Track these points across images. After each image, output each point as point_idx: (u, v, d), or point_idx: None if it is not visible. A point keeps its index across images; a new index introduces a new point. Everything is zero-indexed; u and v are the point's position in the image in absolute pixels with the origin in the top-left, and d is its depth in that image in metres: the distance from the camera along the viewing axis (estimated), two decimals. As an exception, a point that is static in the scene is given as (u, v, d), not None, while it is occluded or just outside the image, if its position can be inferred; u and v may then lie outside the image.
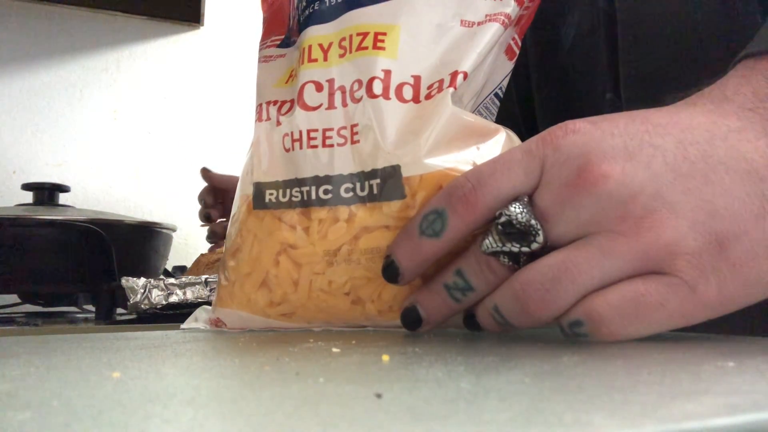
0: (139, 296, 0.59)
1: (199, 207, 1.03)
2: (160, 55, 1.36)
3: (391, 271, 0.33)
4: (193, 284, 0.61)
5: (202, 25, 1.38)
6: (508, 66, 0.40)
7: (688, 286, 0.27)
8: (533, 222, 0.29)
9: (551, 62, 0.54)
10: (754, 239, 0.27)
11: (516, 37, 0.39)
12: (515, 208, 0.30)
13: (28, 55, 1.27)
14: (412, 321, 0.34)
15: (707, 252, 0.27)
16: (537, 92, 0.56)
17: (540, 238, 0.29)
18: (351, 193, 0.35)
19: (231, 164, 1.30)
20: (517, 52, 0.40)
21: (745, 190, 0.27)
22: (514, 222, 0.29)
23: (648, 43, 0.46)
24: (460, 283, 0.31)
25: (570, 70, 0.52)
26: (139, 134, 1.33)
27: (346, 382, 0.20)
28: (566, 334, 0.29)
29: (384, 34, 0.37)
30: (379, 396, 0.17)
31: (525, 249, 0.29)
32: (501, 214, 0.30)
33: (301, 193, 0.37)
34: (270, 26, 0.44)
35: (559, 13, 0.51)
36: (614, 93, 0.48)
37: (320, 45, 0.38)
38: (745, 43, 0.32)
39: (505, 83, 0.41)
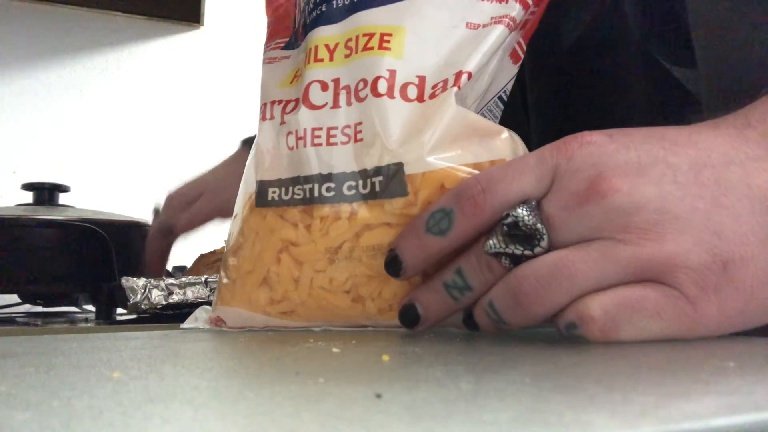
0: (139, 296, 0.59)
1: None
2: (160, 55, 1.36)
3: (394, 266, 0.33)
4: (193, 284, 0.61)
5: (202, 25, 1.38)
6: (513, 70, 0.40)
7: (687, 300, 0.27)
8: (539, 226, 0.29)
9: (545, 61, 0.53)
10: (759, 265, 0.27)
11: (521, 41, 0.40)
12: (522, 210, 0.30)
13: (28, 55, 1.27)
14: (410, 319, 0.34)
15: (710, 270, 0.27)
16: (529, 93, 0.56)
17: (544, 243, 0.29)
18: (353, 191, 0.36)
19: (231, 164, 1.30)
20: (522, 56, 0.40)
21: (755, 218, 0.27)
22: (520, 224, 0.29)
23: (731, 95, 0.44)
24: (459, 282, 0.32)
25: (570, 73, 0.52)
26: (139, 134, 1.33)
27: (346, 382, 0.20)
28: (563, 335, 0.29)
29: (390, 34, 0.37)
30: (379, 396, 0.17)
31: (528, 252, 0.29)
32: (508, 215, 0.30)
33: (304, 190, 0.37)
34: (275, 30, 0.45)
35: (559, 6, 0.50)
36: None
37: (326, 45, 0.38)
38: None
39: (509, 87, 0.41)
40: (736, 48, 0.42)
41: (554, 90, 0.53)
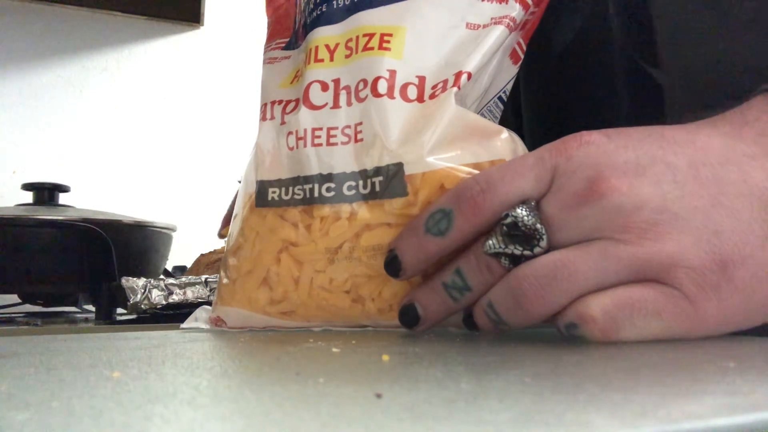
0: (139, 296, 0.59)
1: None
2: (160, 55, 1.36)
3: (393, 266, 0.33)
4: (193, 284, 0.61)
5: (202, 25, 1.38)
6: (513, 70, 0.40)
7: (687, 299, 0.27)
8: (538, 226, 0.29)
9: (538, 66, 0.53)
10: (758, 264, 0.27)
11: (521, 41, 0.40)
12: (522, 210, 0.30)
13: (28, 55, 1.27)
14: (409, 319, 0.34)
15: (710, 270, 0.27)
16: (523, 95, 0.56)
17: (543, 243, 0.29)
18: (353, 191, 0.36)
19: (231, 164, 1.31)
20: (522, 56, 0.40)
21: (754, 216, 0.27)
22: (520, 224, 0.29)
23: (700, 98, 0.44)
24: (459, 282, 0.32)
25: (562, 76, 0.52)
26: (139, 134, 1.33)
27: (346, 382, 0.20)
28: (563, 335, 0.29)
29: (390, 35, 0.37)
30: (379, 396, 0.17)
31: (527, 252, 0.29)
32: (507, 215, 0.30)
33: (304, 190, 0.37)
34: (275, 30, 0.45)
35: (553, 12, 0.51)
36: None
37: (327, 46, 0.38)
38: None
39: (509, 87, 0.41)
40: (702, 44, 0.43)
41: (547, 92, 0.53)
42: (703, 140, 0.29)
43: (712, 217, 0.27)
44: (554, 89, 0.52)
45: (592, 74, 0.49)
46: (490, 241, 0.30)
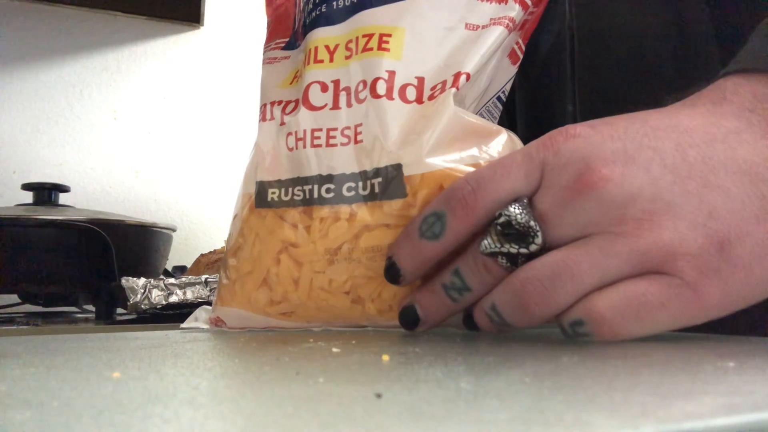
0: (139, 296, 0.59)
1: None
2: (160, 55, 1.36)
3: (392, 273, 0.33)
4: (193, 284, 0.61)
5: (202, 25, 1.38)
6: (512, 70, 0.40)
7: (690, 287, 0.27)
8: (532, 223, 0.29)
9: (528, 67, 0.55)
10: (755, 240, 0.27)
11: (520, 41, 0.40)
12: (515, 208, 0.30)
13: (28, 55, 1.27)
14: (409, 320, 0.34)
15: (708, 253, 0.27)
16: (518, 92, 0.57)
17: (539, 240, 0.29)
18: (353, 192, 0.36)
19: (231, 164, 1.30)
20: (521, 56, 0.40)
21: (746, 192, 0.27)
22: (514, 223, 0.29)
23: (602, 60, 0.47)
24: (458, 283, 0.32)
25: (543, 77, 0.53)
26: (139, 134, 1.33)
27: (346, 382, 0.20)
28: (567, 335, 0.29)
29: (389, 35, 0.37)
30: (379, 396, 0.17)
31: (523, 250, 0.29)
32: (501, 215, 0.30)
33: (304, 191, 0.37)
34: (275, 30, 0.45)
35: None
36: (573, 105, 0.49)
37: (326, 46, 0.38)
38: (695, 64, 0.32)
39: (508, 87, 0.41)
40: (604, 15, 0.46)
41: (534, 95, 0.54)
42: (685, 122, 0.29)
43: (705, 198, 0.27)
44: (542, 92, 0.53)
45: (564, 77, 0.50)
46: (486, 241, 0.30)
